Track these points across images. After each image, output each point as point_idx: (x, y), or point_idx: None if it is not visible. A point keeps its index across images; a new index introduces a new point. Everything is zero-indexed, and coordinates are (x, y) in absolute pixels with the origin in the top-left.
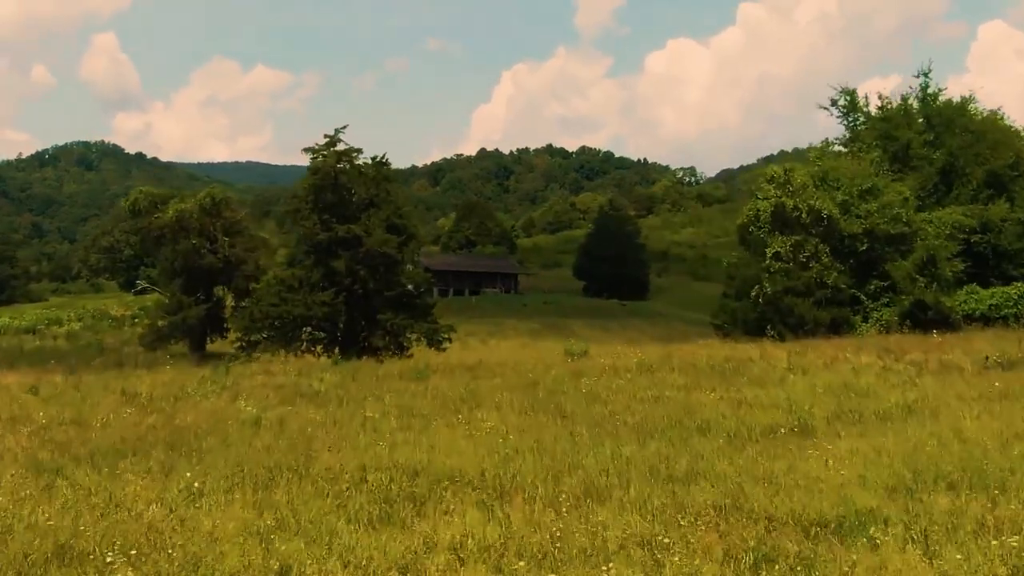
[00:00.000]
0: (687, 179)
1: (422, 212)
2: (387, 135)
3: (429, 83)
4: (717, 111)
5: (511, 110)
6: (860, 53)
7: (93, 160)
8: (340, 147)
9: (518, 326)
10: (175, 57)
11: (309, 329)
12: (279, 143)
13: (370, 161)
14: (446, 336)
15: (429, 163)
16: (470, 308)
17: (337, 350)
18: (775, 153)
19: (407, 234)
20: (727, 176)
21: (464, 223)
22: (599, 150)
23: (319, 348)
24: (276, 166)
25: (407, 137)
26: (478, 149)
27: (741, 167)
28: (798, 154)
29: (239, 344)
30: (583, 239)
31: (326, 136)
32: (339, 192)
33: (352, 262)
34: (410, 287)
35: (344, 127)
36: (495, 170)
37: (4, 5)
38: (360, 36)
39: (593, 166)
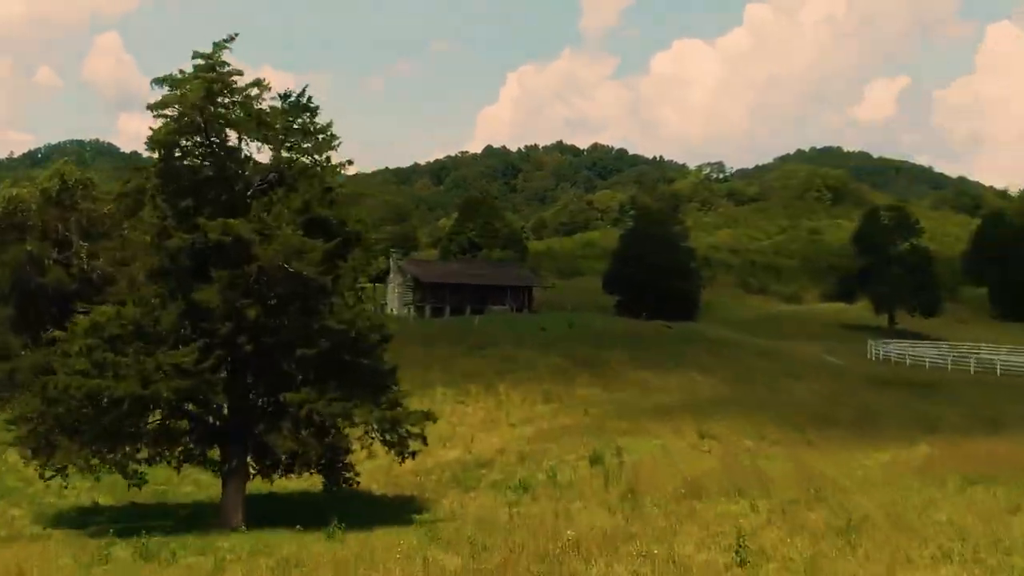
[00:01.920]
0: (714, 175)
1: (423, 212)
2: (391, 137)
3: (434, 85)
4: (724, 112)
5: (518, 111)
6: (867, 53)
7: (88, 159)
8: (218, 72)
9: (537, 362)
10: (180, 58)
11: (158, 419)
12: None
13: (279, 102)
14: (417, 431)
15: (432, 160)
16: (471, 334)
17: (222, 451)
18: (791, 152)
19: (343, 237)
20: (741, 176)
21: (467, 223)
22: (612, 147)
23: (177, 451)
24: None
25: (412, 138)
26: (483, 147)
27: (756, 167)
28: (815, 154)
29: (20, 443)
30: (616, 243)
31: (198, 57)
32: (215, 159)
33: (234, 291)
34: (353, 334)
35: (232, 37)
36: (501, 168)
37: (10, 5)
38: (364, 37)
39: (606, 164)
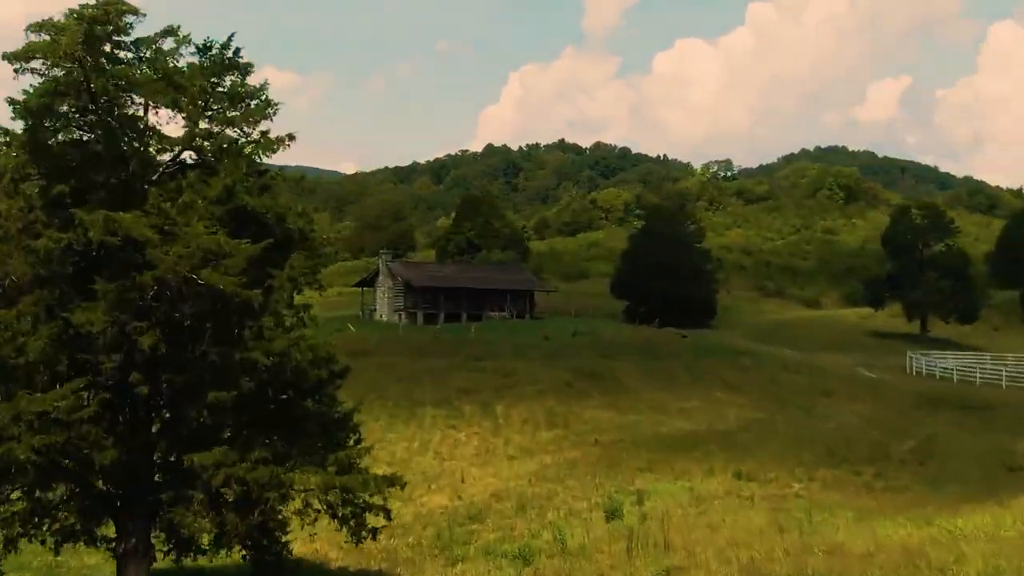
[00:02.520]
0: (721, 173)
1: (423, 212)
2: (391, 137)
3: (436, 85)
4: (727, 111)
5: (520, 111)
6: (870, 53)
7: None
8: (105, 12)
9: (540, 376)
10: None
11: (23, 488)
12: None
13: (197, 56)
14: (379, 501)
15: (432, 159)
16: (467, 343)
17: (116, 526)
18: (796, 152)
19: (281, 236)
20: (745, 175)
21: (465, 223)
22: (615, 146)
23: (51, 528)
24: None
25: (412, 138)
26: (484, 146)
27: (760, 166)
28: (820, 153)
29: None
30: (623, 243)
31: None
32: (104, 130)
33: (124, 311)
34: (290, 370)
35: None
36: (503, 167)
37: (10, 5)
38: (365, 37)
39: (608, 163)
